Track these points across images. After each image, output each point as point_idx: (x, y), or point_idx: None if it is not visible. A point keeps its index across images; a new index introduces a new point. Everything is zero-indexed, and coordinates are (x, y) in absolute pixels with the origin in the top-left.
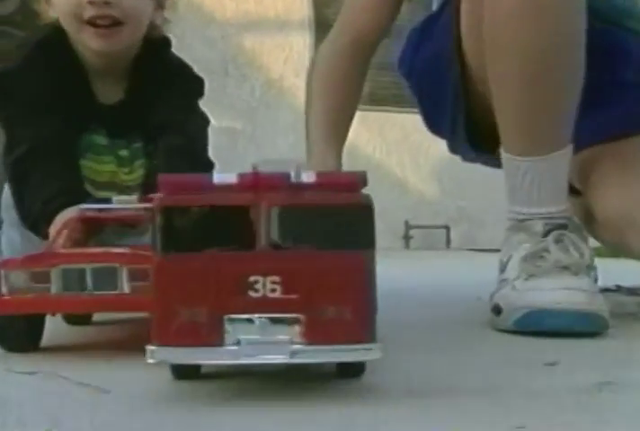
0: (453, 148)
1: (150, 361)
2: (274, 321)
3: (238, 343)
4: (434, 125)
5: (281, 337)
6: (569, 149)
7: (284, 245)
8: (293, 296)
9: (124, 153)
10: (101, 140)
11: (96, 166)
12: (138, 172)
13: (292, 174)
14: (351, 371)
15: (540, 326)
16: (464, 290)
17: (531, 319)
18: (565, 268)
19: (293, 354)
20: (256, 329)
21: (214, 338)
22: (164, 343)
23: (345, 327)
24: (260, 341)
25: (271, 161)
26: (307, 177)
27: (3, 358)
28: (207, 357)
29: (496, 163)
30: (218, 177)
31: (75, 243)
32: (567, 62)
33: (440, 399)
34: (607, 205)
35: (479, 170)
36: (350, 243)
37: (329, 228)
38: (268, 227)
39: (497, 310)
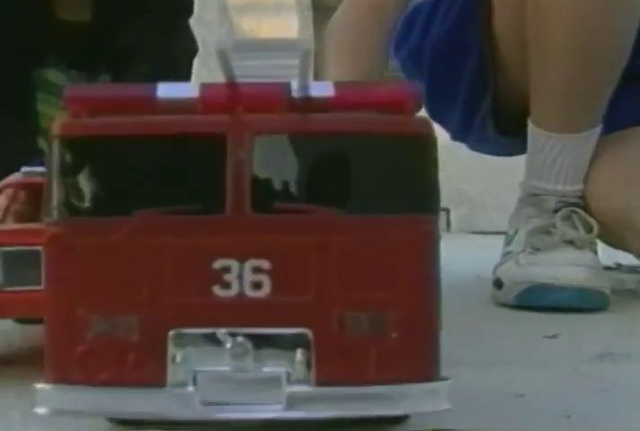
0: (459, 136)
1: (39, 411)
2: (259, 340)
3: (194, 381)
4: (441, 110)
5: (271, 370)
6: (599, 128)
7: (277, 206)
8: (293, 296)
9: None
10: (56, 77)
11: (48, 110)
12: None
13: (294, 83)
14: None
15: (541, 301)
16: (463, 269)
17: (532, 294)
18: (570, 242)
19: (292, 402)
20: (226, 356)
21: (150, 370)
22: (61, 379)
23: (387, 352)
24: (232, 378)
25: (250, 43)
26: (321, 88)
27: None
28: (136, 407)
29: (510, 150)
30: (167, 88)
31: (19, 218)
32: (621, 42)
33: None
34: (604, 203)
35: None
36: (399, 203)
37: (361, 177)
38: (250, 174)
39: (498, 284)
